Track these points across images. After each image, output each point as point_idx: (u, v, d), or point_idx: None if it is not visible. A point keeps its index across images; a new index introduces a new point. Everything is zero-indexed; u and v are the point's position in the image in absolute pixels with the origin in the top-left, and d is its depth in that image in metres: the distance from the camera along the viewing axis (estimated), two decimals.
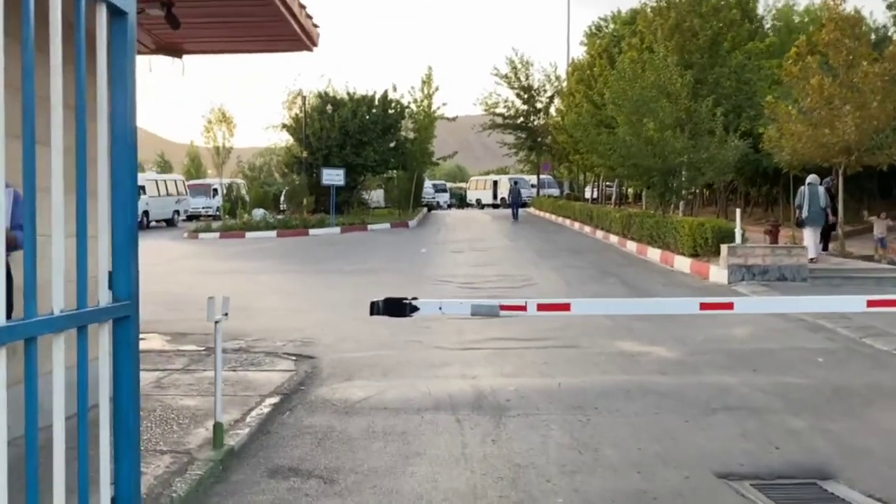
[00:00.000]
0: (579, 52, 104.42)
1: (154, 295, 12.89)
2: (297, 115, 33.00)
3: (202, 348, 8.27)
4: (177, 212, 33.93)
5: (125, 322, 2.13)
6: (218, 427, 4.72)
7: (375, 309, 4.78)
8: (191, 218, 35.30)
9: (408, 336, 8.86)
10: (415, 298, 4.85)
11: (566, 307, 5.77)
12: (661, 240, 16.41)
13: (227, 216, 29.55)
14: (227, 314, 5.12)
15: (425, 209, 39.58)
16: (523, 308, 5.08)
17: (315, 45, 6.91)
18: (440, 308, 5.16)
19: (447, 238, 23.63)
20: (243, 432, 5.21)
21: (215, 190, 37.83)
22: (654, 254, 16.63)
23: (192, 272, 15.83)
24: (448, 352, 7.95)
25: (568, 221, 29.36)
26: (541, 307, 5.24)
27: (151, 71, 7.00)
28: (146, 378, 6.44)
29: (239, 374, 7.03)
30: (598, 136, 18.14)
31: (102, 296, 2.09)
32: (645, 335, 8.58)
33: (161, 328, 9.63)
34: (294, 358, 7.74)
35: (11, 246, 3.97)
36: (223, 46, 7.07)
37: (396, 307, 4.71)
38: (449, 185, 63.04)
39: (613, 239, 20.82)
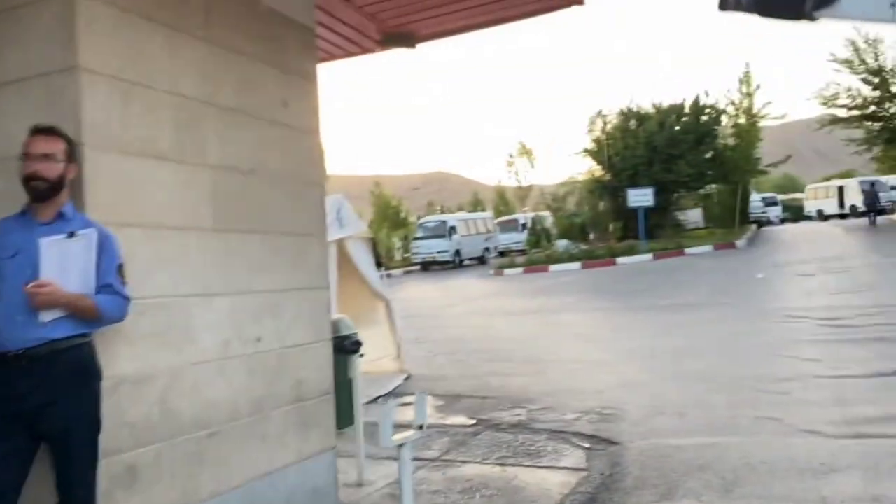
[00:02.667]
0: None
1: (444, 342, 11.73)
2: (598, 137, 30.92)
3: (472, 421, 6.45)
4: (487, 248, 33.99)
5: None
6: None
7: None
8: (501, 254, 35.20)
9: (755, 407, 6.03)
10: None
11: None
12: None
13: (531, 249, 28.47)
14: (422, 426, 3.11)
15: (754, 226, 34.30)
16: None
17: None
18: None
19: (788, 259, 19.25)
20: None
21: (523, 225, 37.42)
22: None
23: (490, 313, 14.51)
24: (829, 442, 4.96)
25: None
26: None
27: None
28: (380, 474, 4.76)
29: (508, 471, 4.99)
30: None
31: None
32: None
33: (438, 388, 8.11)
34: (588, 444, 5.47)
35: (88, 317, 2.46)
36: (469, 20, 5.25)
37: None
38: (780, 197, 55.16)
39: None
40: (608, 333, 10.92)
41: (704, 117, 29.37)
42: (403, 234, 38.48)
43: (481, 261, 32.90)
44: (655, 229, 28.26)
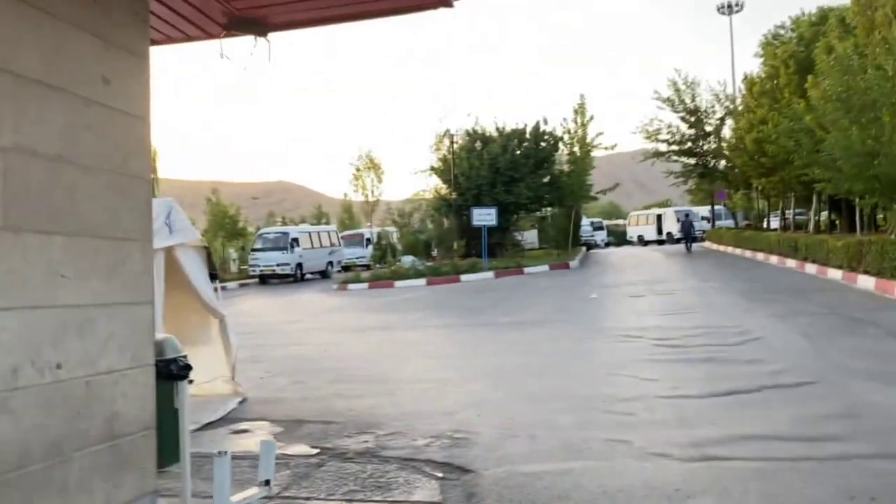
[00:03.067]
0: (750, 66, 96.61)
1: (284, 361, 10.98)
2: (444, 156, 31.32)
3: (316, 450, 5.92)
4: (331, 263, 33.18)
5: None
6: None
7: None
8: (345, 269, 34.51)
9: (604, 428, 6.02)
10: None
11: None
12: None
13: (376, 265, 28.12)
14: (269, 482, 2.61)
15: (584, 248, 36.36)
16: None
17: None
18: None
19: (618, 280, 20.41)
20: None
21: (368, 240, 37.02)
22: None
23: (334, 330, 13.92)
24: (681, 466, 4.99)
25: (760, 255, 25.02)
26: None
27: (223, 58, 4.86)
28: None
29: None
30: (816, 145, 14.19)
31: None
32: None
33: (277, 412, 7.47)
34: (441, 474, 5.14)
35: None
36: (326, 11, 4.79)
37: None
38: (605, 222, 59.16)
39: (834, 274, 16.64)
40: (455, 351, 10.76)
41: (543, 143, 30.72)
42: (241, 244, 36.61)
43: (324, 275, 32.05)
44: (496, 248, 29.00)
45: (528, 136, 30.55)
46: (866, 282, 14.57)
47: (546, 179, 30.65)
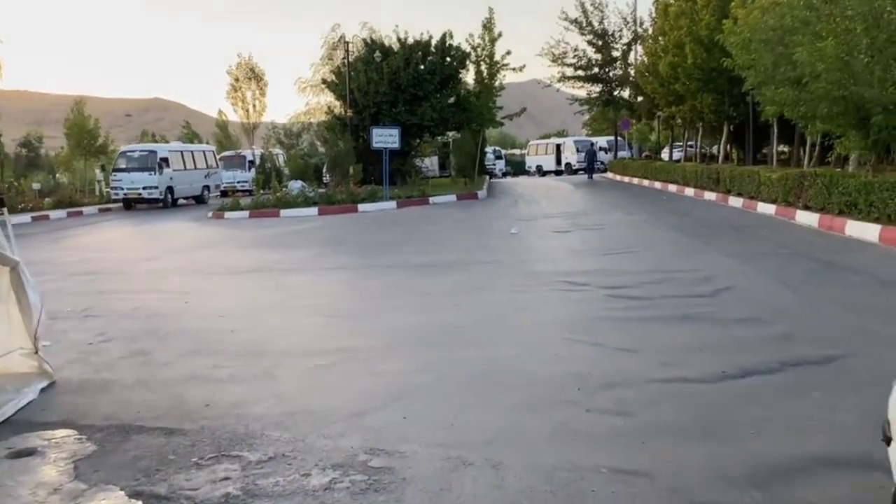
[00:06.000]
0: None
1: (126, 319, 8.10)
2: (338, 67, 27.95)
3: (135, 481, 3.50)
4: (207, 187, 29.55)
5: None
6: None
7: None
8: (224, 194, 30.96)
9: (601, 446, 3.95)
10: None
11: None
12: (879, 210, 11.06)
13: (260, 191, 24.91)
14: None
15: (488, 177, 34.46)
16: None
17: None
18: None
19: (534, 212, 18.55)
20: None
21: (251, 162, 33.38)
22: (860, 229, 11.32)
23: (202, 271, 11.19)
24: None
25: (672, 187, 23.90)
26: None
27: None
28: None
29: None
30: (784, 56, 12.39)
31: None
32: None
33: (97, 409, 4.98)
34: None
35: None
36: None
37: None
38: (503, 151, 57.62)
39: (766, 208, 15.43)
40: (359, 305, 8.40)
41: (449, 59, 27.98)
42: (100, 164, 32.02)
43: (199, 201, 28.51)
44: (397, 175, 26.52)
45: (433, 49, 27.63)
46: (807, 217, 13.32)
47: (452, 100, 28.08)
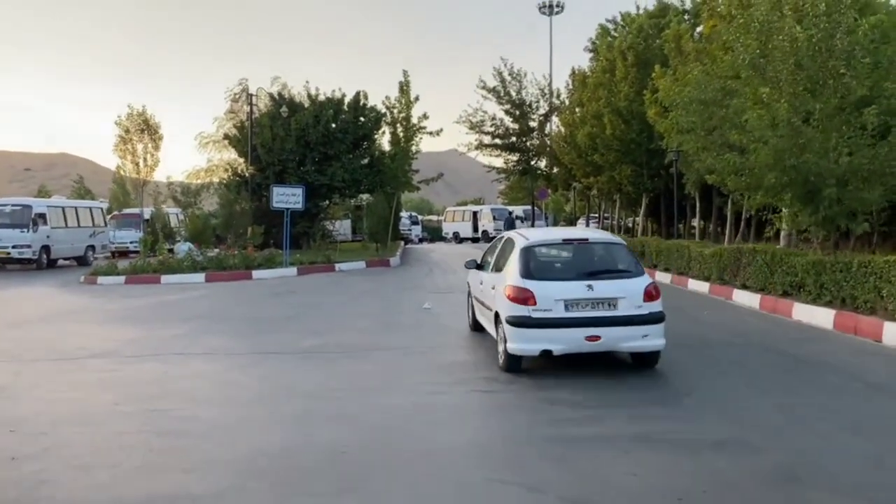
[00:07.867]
0: (578, 61, 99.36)
1: None
2: (241, 122, 25.96)
3: None
4: (92, 247, 26.47)
5: None
6: None
7: None
8: (119, 255, 27.84)
9: None
10: None
11: None
12: (832, 293, 9.95)
13: (148, 252, 22.25)
14: None
15: (402, 243, 32.78)
16: None
17: None
18: None
19: (450, 283, 16.92)
20: None
21: (147, 221, 30.42)
22: (809, 314, 10.16)
23: (22, 357, 8.75)
24: None
25: None
26: None
27: None
28: None
29: None
30: (725, 119, 11.40)
31: None
32: None
33: None
34: None
35: None
36: None
37: None
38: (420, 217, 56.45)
39: (698, 286, 14.34)
40: (213, 413, 6.27)
41: (363, 119, 26.50)
42: None
43: (83, 262, 25.38)
44: (302, 238, 24.41)
45: (346, 107, 26.08)
46: (746, 298, 12.20)
47: (366, 161, 26.45)
